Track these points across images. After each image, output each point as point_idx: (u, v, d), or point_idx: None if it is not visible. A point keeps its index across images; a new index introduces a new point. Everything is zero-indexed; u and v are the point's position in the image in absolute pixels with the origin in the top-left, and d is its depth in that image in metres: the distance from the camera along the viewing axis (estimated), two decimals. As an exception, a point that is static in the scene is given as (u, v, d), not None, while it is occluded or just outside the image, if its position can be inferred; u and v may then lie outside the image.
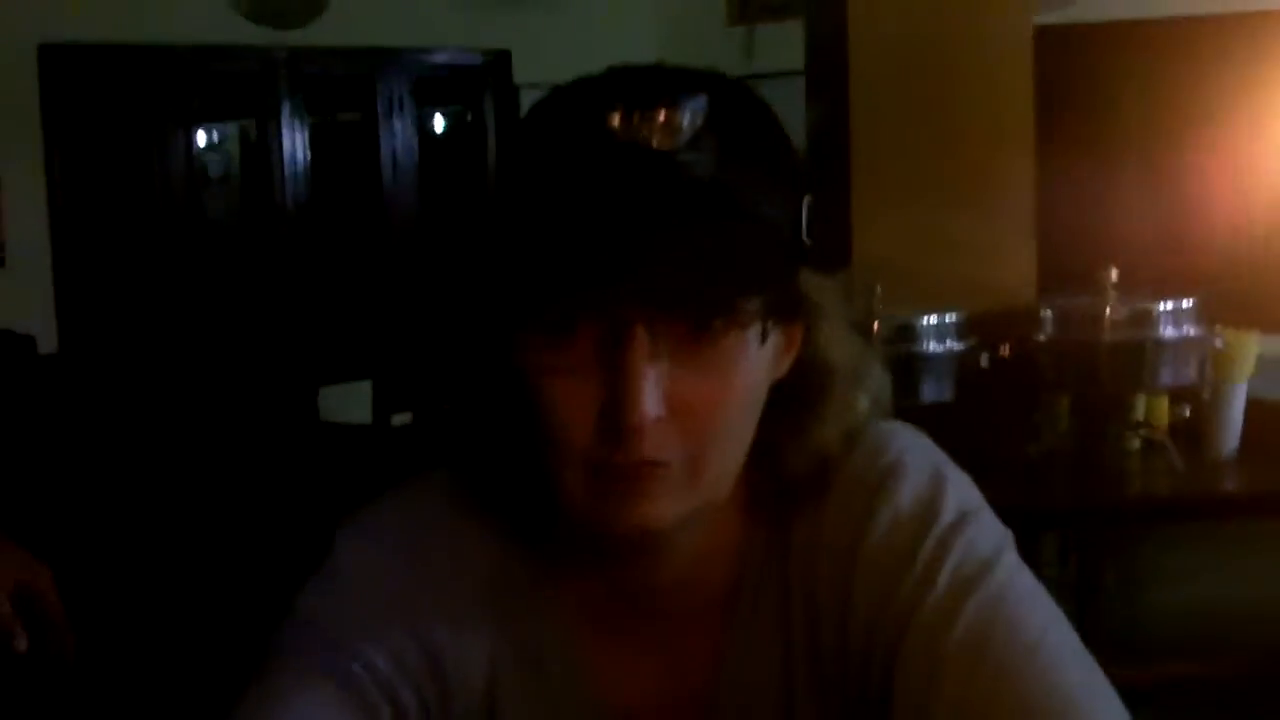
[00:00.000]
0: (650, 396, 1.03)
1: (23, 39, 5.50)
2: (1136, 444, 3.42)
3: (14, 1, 5.46)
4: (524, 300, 1.07)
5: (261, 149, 6.71)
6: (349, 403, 5.69)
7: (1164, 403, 3.46)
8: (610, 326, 1.04)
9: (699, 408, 1.07)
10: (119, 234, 5.98)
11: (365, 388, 5.65)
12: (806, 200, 1.13)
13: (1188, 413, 3.45)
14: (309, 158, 6.67)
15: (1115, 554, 3.98)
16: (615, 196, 1.02)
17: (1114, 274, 3.34)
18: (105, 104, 5.93)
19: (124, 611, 2.64)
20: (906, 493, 1.20)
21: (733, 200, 1.04)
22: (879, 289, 3.17)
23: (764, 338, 1.10)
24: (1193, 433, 3.45)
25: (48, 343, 5.44)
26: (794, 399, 1.20)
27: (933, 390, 3.28)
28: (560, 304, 1.05)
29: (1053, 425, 3.45)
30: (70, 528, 2.43)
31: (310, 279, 6.49)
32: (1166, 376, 3.37)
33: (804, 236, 1.13)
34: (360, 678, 1.13)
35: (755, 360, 1.10)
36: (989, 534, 1.20)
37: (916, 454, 1.24)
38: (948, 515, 1.18)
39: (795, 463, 1.21)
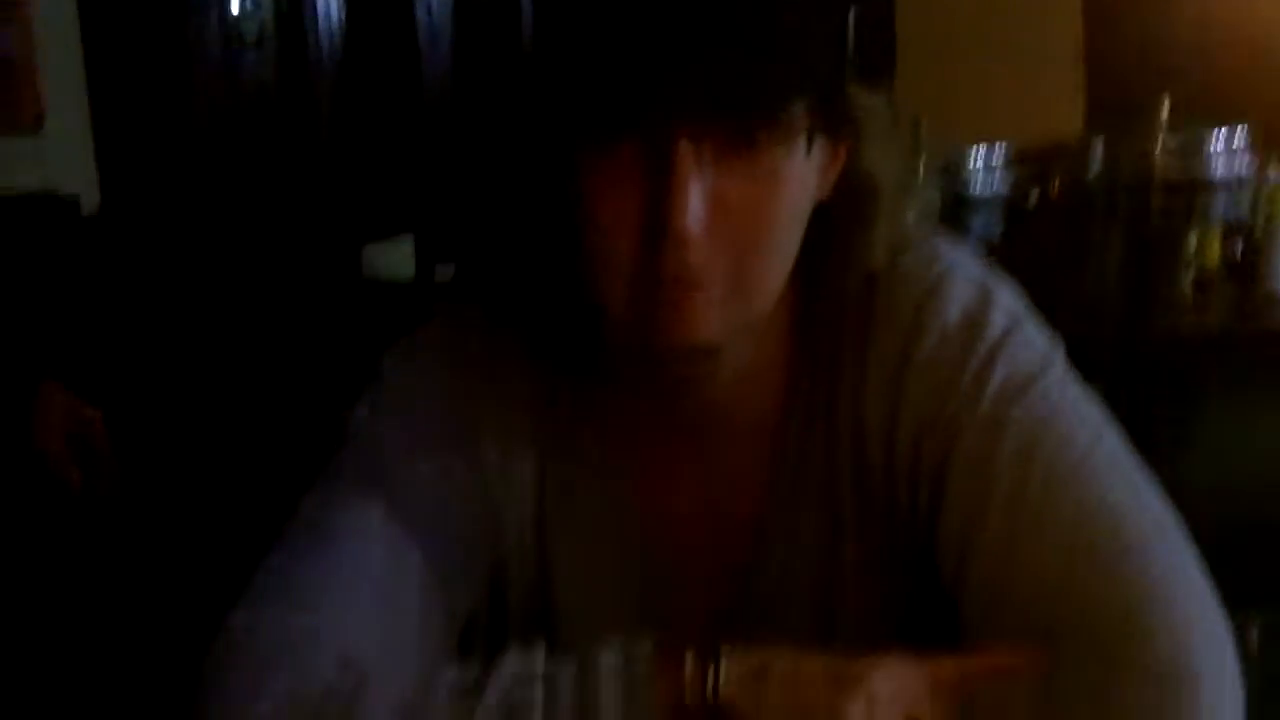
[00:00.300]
0: (695, 206, 1.01)
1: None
2: (1189, 281, 3.36)
3: None
4: (568, 116, 1.05)
5: (294, 10, 6.64)
6: (393, 259, 5.69)
7: (1216, 239, 3.40)
8: (655, 137, 1.02)
9: (744, 219, 1.05)
10: (156, 97, 5.95)
11: (408, 243, 5.63)
12: (852, 11, 1.10)
13: (1240, 249, 3.39)
14: (343, 17, 6.60)
15: (1164, 399, 3.96)
16: (656, 4, 0.99)
17: (1166, 105, 3.26)
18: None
19: (170, 455, 2.67)
20: (954, 305, 1.18)
21: (775, 6, 1.01)
22: (924, 121, 3.10)
23: (809, 149, 1.07)
24: (1245, 269, 3.40)
25: (90, 203, 5.45)
26: (841, 216, 1.17)
27: (981, 228, 3.23)
28: (605, 116, 1.02)
29: (1102, 264, 3.40)
30: (119, 377, 2.44)
31: (349, 138, 6.45)
32: (1219, 211, 3.30)
33: (849, 49, 1.10)
34: (409, 494, 1.13)
35: (801, 172, 1.08)
36: (1037, 343, 1.18)
37: (963, 267, 1.22)
38: (996, 327, 1.16)
39: (842, 280, 1.19)
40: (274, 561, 1.11)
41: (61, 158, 5.57)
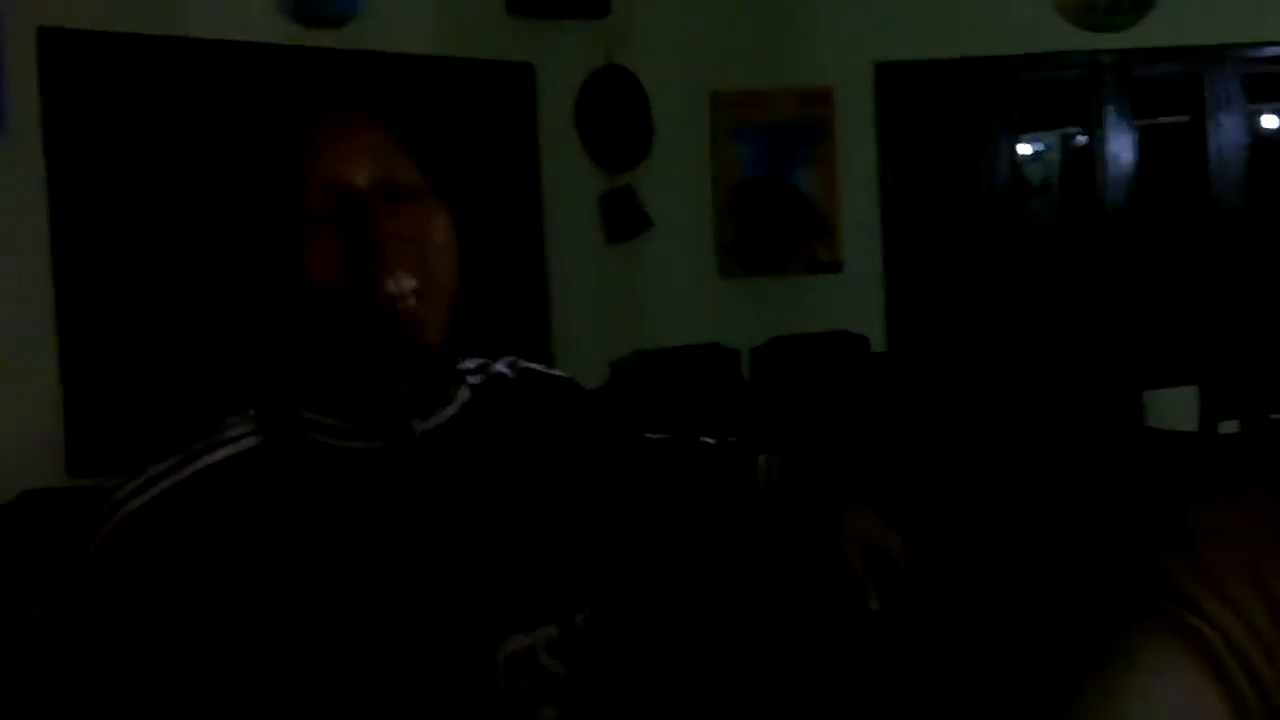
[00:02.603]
0: None
1: (863, 59, 5.76)
2: None
3: (853, 23, 5.73)
4: None
5: (1084, 154, 6.61)
6: (1175, 408, 5.47)
7: None
8: None
9: None
10: (943, 240, 6.12)
11: (1191, 393, 5.39)
12: None
13: None
14: (1133, 161, 6.48)
15: None
16: None
17: None
18: (932, 115, 6.08)
19: (958, 579, 2.68)
20: None
21: None
22: None
23: None
24: None
25: (878, 342, 5.67)
26: None
27: None
28: None
29: None
30: (915, 504, 2.50)
31: (1132, 282, 6.30)
32: None
33: None
34: (1213, 640, 1.05)
35: None
36: None
37: None
38: None
39: None
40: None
41: (856, 299, 5.85)
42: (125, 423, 3.93)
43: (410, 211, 1.17)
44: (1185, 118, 6.69)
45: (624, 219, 5.42)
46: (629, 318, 5.46)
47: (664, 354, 5.06)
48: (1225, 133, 6.49)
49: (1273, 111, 7.13)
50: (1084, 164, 6.61)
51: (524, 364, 1.42)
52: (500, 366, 1.38)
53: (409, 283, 1.15)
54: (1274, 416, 5.10)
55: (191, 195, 4.04)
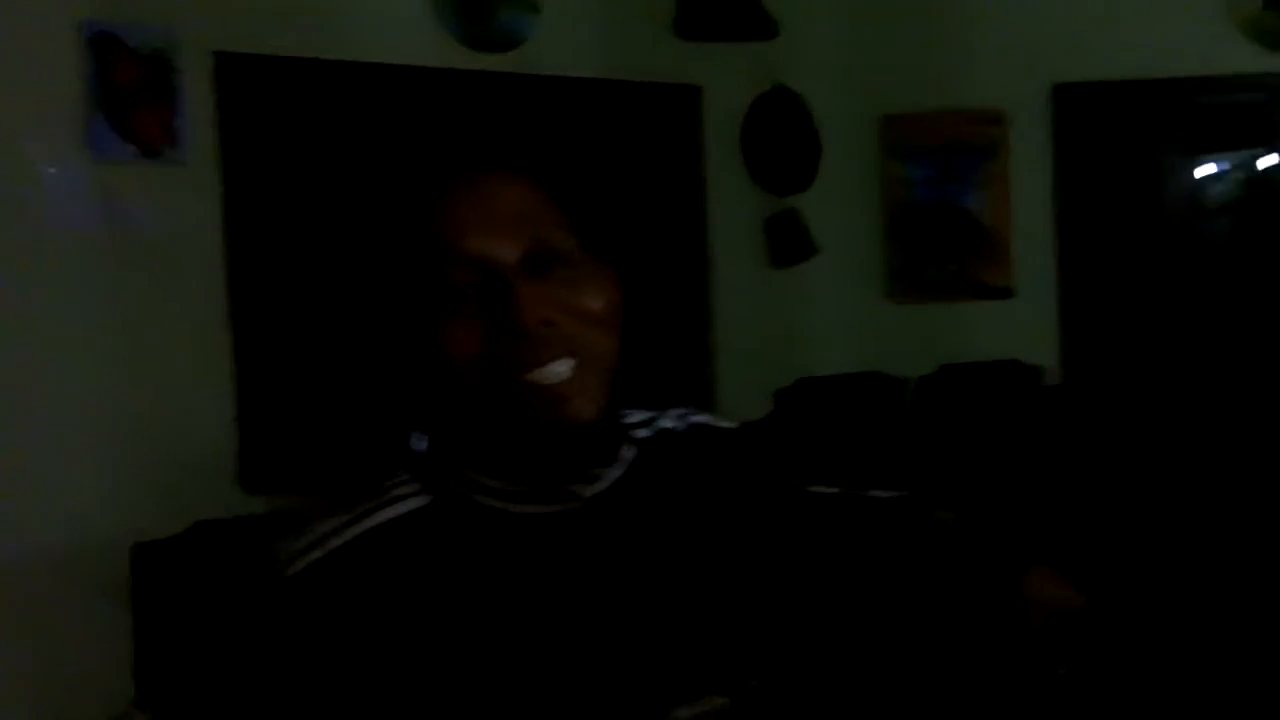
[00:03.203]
0: None
1: (1039, 80, 5.59)
2: None
3: (1029, 44, 5.57)
4: None
5: (1266, 177, 6.32)
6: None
7: None
8: None
9: None
10: (1121, 265, 5.90)
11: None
12: None
13: None
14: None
15: None
16: None
17: None
18: (1110, 137, 5.87)
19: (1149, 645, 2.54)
20: None
21: None
22: None
23: None
24: None
25: (1051, 372, 5.48)
26: None
27: None
28: None
29: None
30: (1094, 563, 2.36)
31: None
32: None
33: None
34: None
35: None
36: None
37: None
38: None
39: None
40: None
41: (1028, 326, 5.66)
42: (296, 441, 3.97)
43: (565, 281, 1.10)
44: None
45: (789, 243, 5.34)
46: (792, 344, 5.37)
47: (828, 382, 4.96)
48: None
49: None
50: (1266, 186, 6.34)
51: (694, 417, 1.35)
52: (669, 421, 1.32)
53: (562, 366, 1.09)
54: None
55: (360, 222, 4.05)
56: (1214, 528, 3.58)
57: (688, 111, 5.03)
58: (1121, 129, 5.88)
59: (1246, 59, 5.71)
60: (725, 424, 1.37)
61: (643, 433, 1.28)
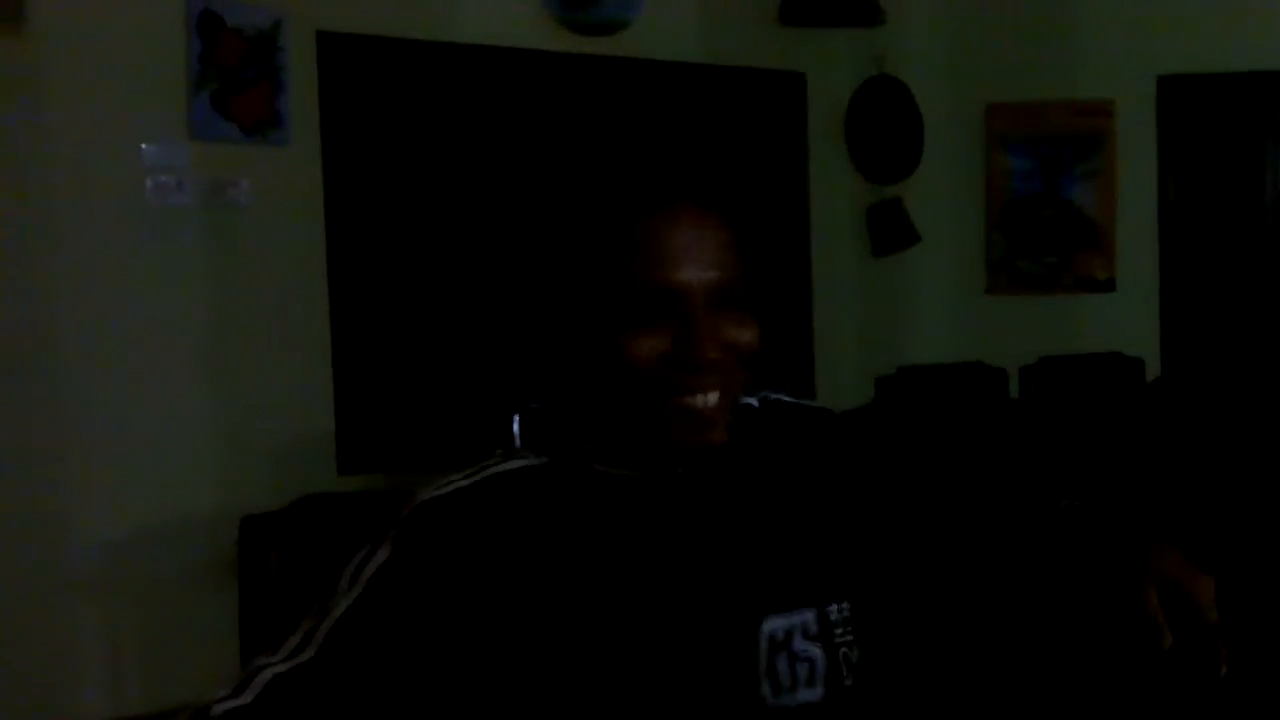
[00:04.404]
0: None
1: (1144, 71, 5.41)
2: None
3: (1135, 35, 5.39)
4: None
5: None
6: None
7: None
8: None
9: None
10: (1224, 256, 5.68)
11: None
12: None
13: None
14: None
15: None
16: None
17: None
18: (1215, 129, 5.66)
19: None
20: None
21: None
22: None
23: None
24: None
25: (1152, 364, 5.29)
26: None
27: None
28: None
29: None
30: (1222, 546, 2.20)
31: None
32: None
33: None
34: None
35: None
36: None
37: None
38: None
39: None
40: None
41: (1130, 319, 5.46)
42: (393, 425, 3.92)
43: (734, 321, 1.20)
44: None
45: (890, 232, 5.18)
46: (892, 333, 5.24)
47: (928, 371, 4.80)
48: None
49: None
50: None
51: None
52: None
53: (711, 398, 1.19)
54: None
55: (463, 206, 3.97)
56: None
57: (792, 98, 4.90)
58: (1226, 122, 5.66)
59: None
60: (807, 402, 1.45)
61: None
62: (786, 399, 1.42)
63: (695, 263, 1.17)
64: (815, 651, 1.24)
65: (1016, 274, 5.41)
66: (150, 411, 3.51)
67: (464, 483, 1.22)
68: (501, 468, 1.24)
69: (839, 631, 1.26)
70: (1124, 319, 5.48)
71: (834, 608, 1.27)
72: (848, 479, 1.38)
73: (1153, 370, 5.28)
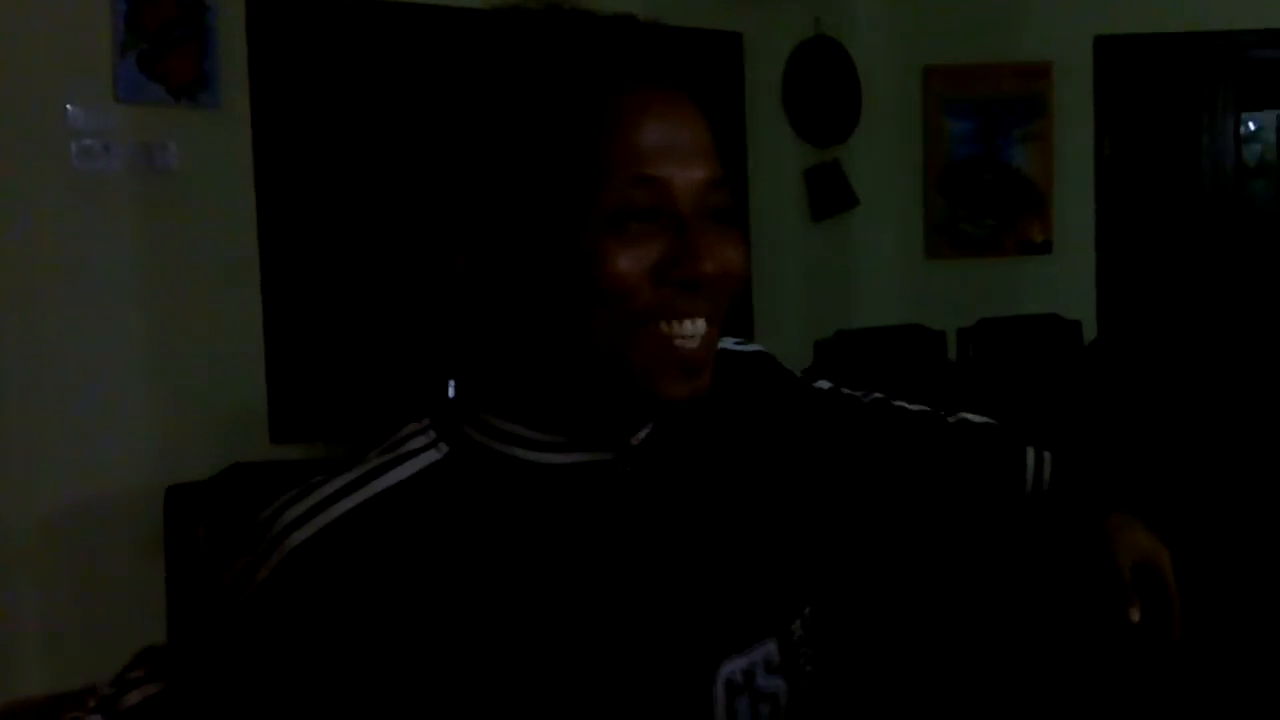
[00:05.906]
0: None
1: (1082, 32, 5.35)
2: None
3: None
4: None
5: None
6: None
7: None
8: None
9: None
10: (1160, 221, 5.65)
11: None
12: None
13: None
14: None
15: None
16: None
17: None
18: (1153, 91, 5.61)
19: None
20: None
21: None
22: None
23: None
24: None
25: (1089, 326, 5.27)
26: None
27: None
28: None
29: None
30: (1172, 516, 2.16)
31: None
32: None
33: None
34: None
35: None
36: None
37: None
38: None
39: None
40: None
41: (1068, 281, 5.43)
42: (326, 393, 3.81)
43: (731, 240, 0.93)
44: None
45: (829, 195, 5.10)
46: (832, 297, 5.16)
47: (868, 334, 4.74)
48: None
49: None
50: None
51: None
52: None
53: (699, 326, 0.91)
54: None
55: (396, 173, 3.85)
56: (1247, 488, 3.37)
57: (729, 59, 4.78)
58: (1163, 83, 5.62)
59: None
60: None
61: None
62: (729, 345, 1.15)
63: (683, 159, 0.91)
64: (778, 684, 1.04)
65: (958, 236, 5.35)
66: (80, 384, 3.39)
67: (343, 507, 0.92)
68: (389, 479, 0.94)
69: (803, 651, 1.07)
70: (1062, 281, 5.44)
71: (797, 624, 1.07)
72: (811, 456, 1.16)
73: (1090, 332, 5.27)
